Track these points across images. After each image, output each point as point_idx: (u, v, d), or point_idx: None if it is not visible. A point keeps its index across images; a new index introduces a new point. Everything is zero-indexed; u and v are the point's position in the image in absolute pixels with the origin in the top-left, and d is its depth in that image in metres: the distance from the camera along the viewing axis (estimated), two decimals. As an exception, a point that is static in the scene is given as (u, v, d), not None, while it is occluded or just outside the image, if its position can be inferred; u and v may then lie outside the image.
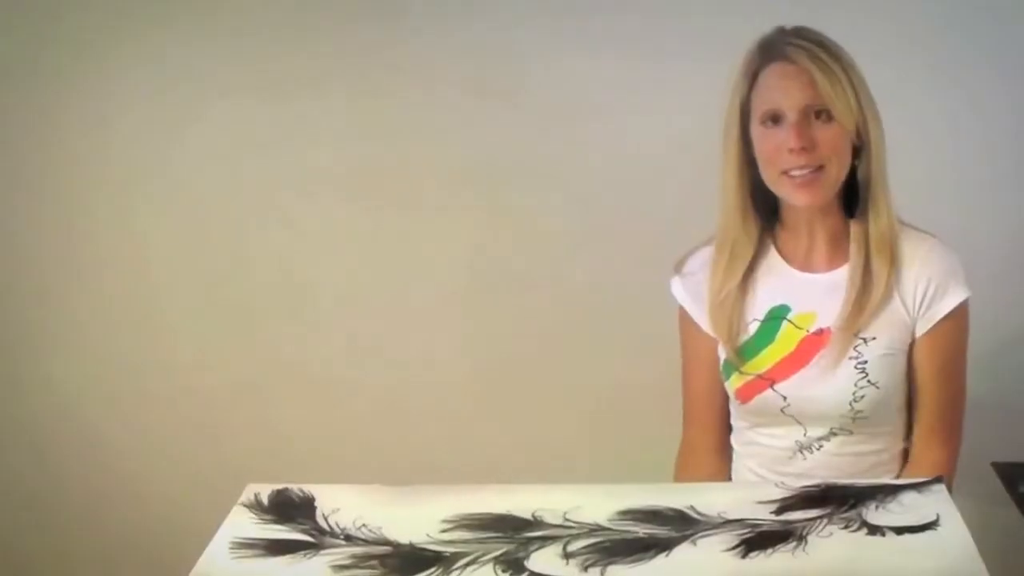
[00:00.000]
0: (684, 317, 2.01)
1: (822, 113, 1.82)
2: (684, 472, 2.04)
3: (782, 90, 1.83)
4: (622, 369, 2.63)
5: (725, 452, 2.04)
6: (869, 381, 1.87)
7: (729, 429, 2.04)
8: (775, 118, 1.84)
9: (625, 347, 2.62)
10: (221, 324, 2.72)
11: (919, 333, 1.89)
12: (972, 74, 2.47)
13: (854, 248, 1.89)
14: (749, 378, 1.93)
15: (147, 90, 2.61)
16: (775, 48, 1.85)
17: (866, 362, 1.87)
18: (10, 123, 2.64)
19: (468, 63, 2.56)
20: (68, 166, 2.66)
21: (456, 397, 2.71)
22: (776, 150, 1.84)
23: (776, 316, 1.93)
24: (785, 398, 1.91)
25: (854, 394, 1.88)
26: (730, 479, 2.03)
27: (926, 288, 1.87)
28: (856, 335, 1.88)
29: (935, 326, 1.88)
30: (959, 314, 1.89)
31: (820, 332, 1.90)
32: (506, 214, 2.64)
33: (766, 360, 1.92)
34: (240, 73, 2.59)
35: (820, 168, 1.83)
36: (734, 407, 2.00)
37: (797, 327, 1.91)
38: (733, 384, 1.95)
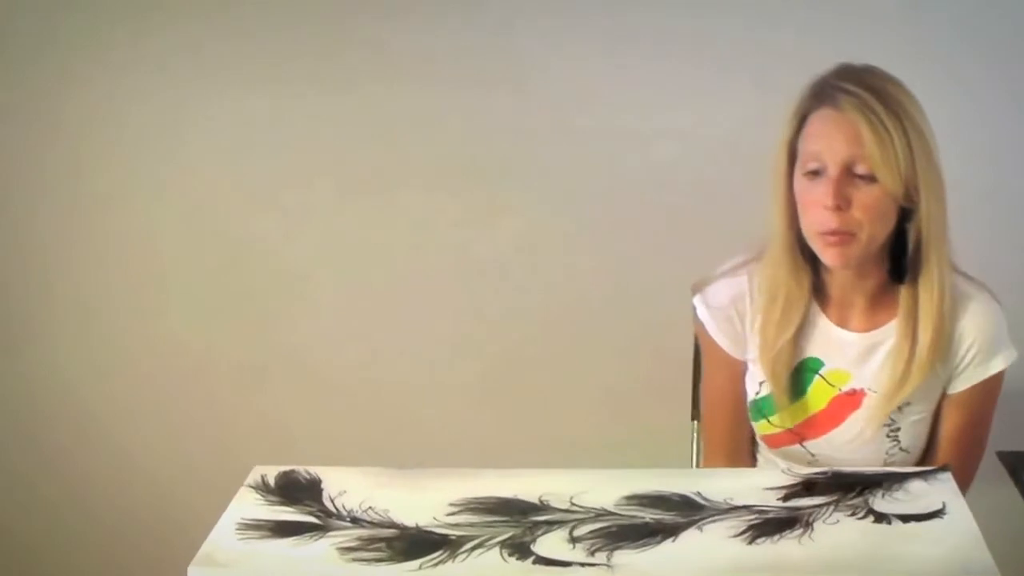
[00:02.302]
0: (712, 346, 1.90)
1: (866, 172, 1.68)
2: None
3: (826, 140, 1.69)
4: (625, 363, 2.62)
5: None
6: (900, 448, 1.83)
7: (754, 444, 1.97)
8: (817, 170, 1.71)
9: (628, 341, 2.61)
10: (225, 315, 2.72)
11: (950, 392, 1.81)
12: (972, 74, 2.48)
13: (901, 315, 1.77)
14: (777, 430, 1.87)
15: (151, 85, 2.61)
16: (826, 92, 1.72)
17: (899, 429, 1.82)
18: (17, 115, 2.64)
19: (471, 59, 2.56)
20: (74, 158, 2.66)
21: (459, 388, 2.71)
22: (813, 204, 1.71)
23: (808, 368, 1.84)
24: (813, 455, 1.85)
25: (884, 460, 1.83)
26: None
27: (966, 352, 1.78)
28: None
29: (968, 390, 1.80)
30: (995, 379, 1.80)
31: (853, 392, 1.82)
32: (509, 208, 2.64)
33: (797, 415, 1.84)
34: (244, 69, 2.59)
35: (852, 234, 1.70)
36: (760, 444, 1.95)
37: (830, 384, 1.83)
38: (761, 430, 1.89)
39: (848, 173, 1.69)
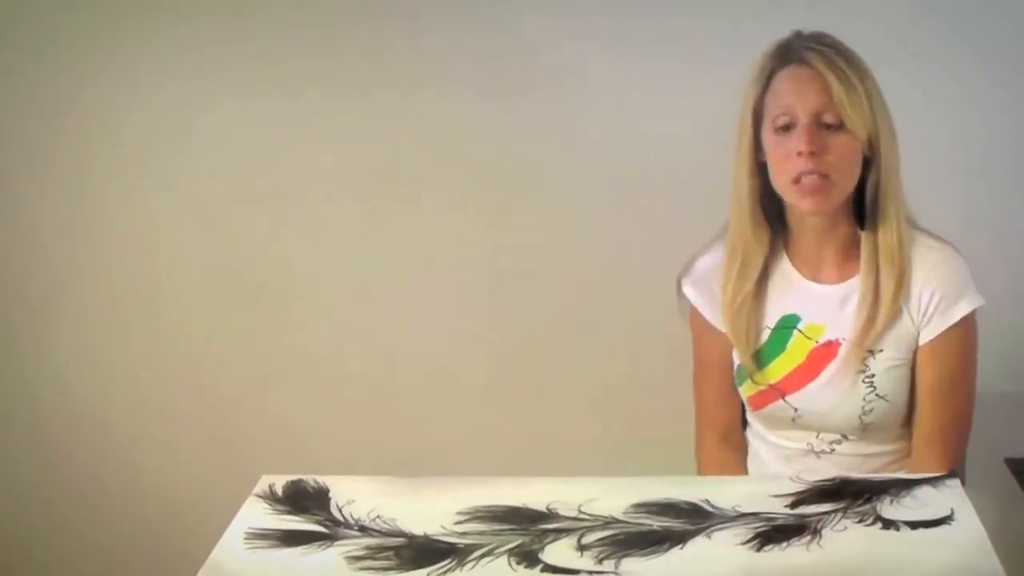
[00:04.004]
0: (697, 317, 1.98)
1: (834, 121, 1.78)
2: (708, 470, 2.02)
3: (795, 93, 1.80)
4: (635, 365, 2.62)
5: (743, 449, 2.02)
6: (878, 395, 1.86)
7: (744, 425, 2.04)
8: (787, 125, 1.80)
9: (638, 342, 2.61)
10: (232, 319, 2.71)
11: (922, 342, 1.86)
12: (972, 74, 2.48)
13: (864, 262, 1.86)
14: (760, 388, 1.92)
15: (155, 88, 2.60)
16: (791, 51, 1.82)
17: (874, 375, 1.86)
18: (21, 118, 2.63)
19: (479, 61, 2.55)
20: (77, 161, 2.65)
21: (468, 393, 2.71)
22: (786, 156, 1.80)
23: (786, 325, 1.91)
24: (796, 409, 1.90)
25: (863, 408, 1.87)
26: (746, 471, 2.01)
27: (930, 299, 1.84)
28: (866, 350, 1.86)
29: (938, 337, 1.85)
30: (964, 326, 1.85)
31: (829, 344, 1.88)
32: (517, 211, 2.63)
33: (777, 371, 1.91)
34: (251, 72, 2.58)
35: (826, 176, 1.79)
36: (747, 409, 2.00)
37: (807, 337, 1.89)
38: (746, 391, 1.94)
39: (818, 122, 1.78)
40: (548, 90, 2.56)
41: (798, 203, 1.83)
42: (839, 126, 1.78)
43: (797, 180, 1.80)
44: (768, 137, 1.83)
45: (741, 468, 2.01)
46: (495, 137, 2.58)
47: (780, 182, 1.83)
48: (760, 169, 1.86)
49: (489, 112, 2.57)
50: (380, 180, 2.62)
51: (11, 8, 2.55)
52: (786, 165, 1.80)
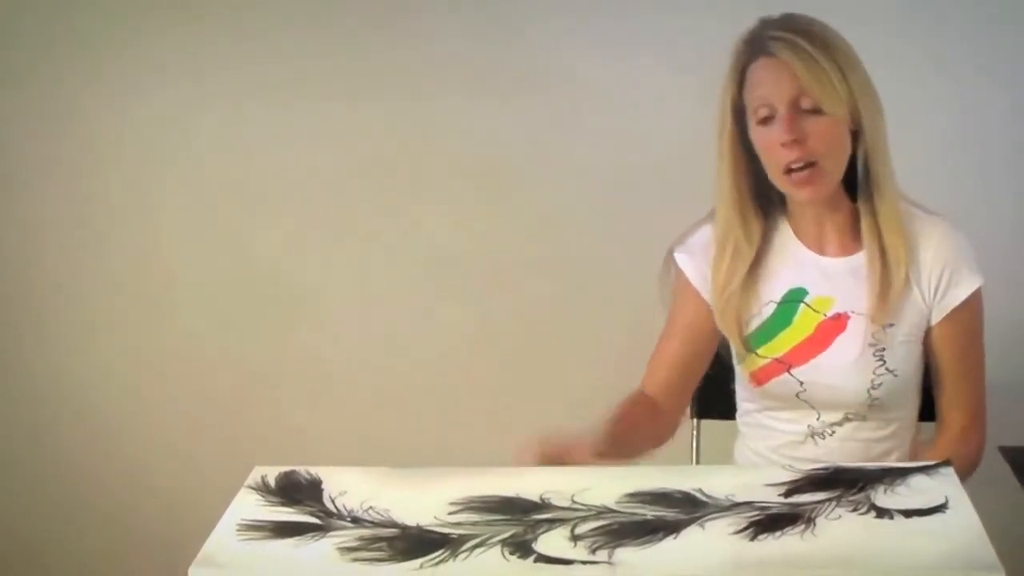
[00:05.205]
0: (683, 281, 1.97)
1: (811, 106, 1.78)
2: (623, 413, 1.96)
3: (768, 85, 1.80)
4: (628, 360, 2.61)
5: (670, 417, 1.98)
6: (887, 369, 1.86)
7: (684, 399, 2.01)
8: (768, 116, 1.80)
9: (633, 340, 2.60)
10: (230, 318, 2.72)
11: (934, 321, 1.87)
12: (972, 73, 2.50)
13: (866, 234, 1.86)
14: (765, 361, 1.91)
15: (159, 88, 2.62)
16: (758, 43, 1.82)
17: (884, 349, 1.86)
18: (22, 119, 2.65)
19: (478, 63, 2.56)
20: (79, 162, 2.67)
21: (464, 390, 2.71)
22: (772, 146, 1.80)
23: (793, 299, 1.91)
24: (802, 383, 1.89)
25: (872, 381, 1.86)
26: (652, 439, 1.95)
27: (940, 274, 1.85)
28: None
29: (951, 314, 1.86)
30: (974, 299, 1.86)
31: (838, 317, 1.88)
32: (514, 211, 2.64)
33: (783, 344, 1.90)
34: (252, 73, 2.60)
35: (814, 164, 1.79)
36: (745, 390, 1.99)
37: (815, 311, 1.89)
38: (747, 367, 1.93)
39: (797, 110, 1.78)
40: (547, 91, 2.57)
41: (792, 193, 1.84)
42: (818, 109, 1.78)
43: (788, 171, 1.80)
44: (754, 129, 1.83)
45: (648, 426, 1.95)
46: (494, 139, 2.59)
47: (772, 173, 1.84)
48: (748, 162, 1.87)
49: (488, 114, 2.58)
50: (378, 181, 2.63)
51: (12, 9, 2.57)
52: (774, 156, 1.81)
